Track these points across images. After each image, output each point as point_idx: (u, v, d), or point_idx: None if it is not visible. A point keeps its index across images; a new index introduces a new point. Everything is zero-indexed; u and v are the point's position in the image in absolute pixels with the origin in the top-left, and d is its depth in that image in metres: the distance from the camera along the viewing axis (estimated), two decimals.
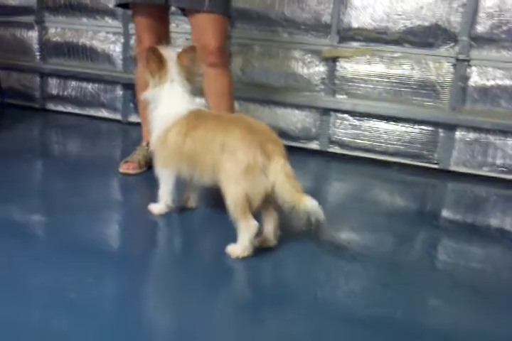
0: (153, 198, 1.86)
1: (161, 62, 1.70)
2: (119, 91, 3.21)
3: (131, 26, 3.04)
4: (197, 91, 1.83)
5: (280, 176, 1.49)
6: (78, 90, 3.30)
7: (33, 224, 1.73)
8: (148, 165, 2.21)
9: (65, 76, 3.29)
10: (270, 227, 1.61)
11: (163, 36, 2.17)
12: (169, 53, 1.73)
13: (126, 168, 2.23)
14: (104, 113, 3.28)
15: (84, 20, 3.19)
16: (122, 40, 3.12)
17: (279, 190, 1.49)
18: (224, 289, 1.44)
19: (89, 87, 3.27)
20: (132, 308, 1.29)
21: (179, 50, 1.77)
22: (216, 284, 1.44)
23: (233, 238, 1.57)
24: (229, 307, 1.35)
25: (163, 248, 1.71)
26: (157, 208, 1.83)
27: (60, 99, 3.36)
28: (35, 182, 2.22)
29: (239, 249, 1.54)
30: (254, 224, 1.53)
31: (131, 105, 3.17)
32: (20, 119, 3.07)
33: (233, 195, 1.51)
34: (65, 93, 3.34)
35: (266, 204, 1.56)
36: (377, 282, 1.50)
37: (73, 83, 3.30)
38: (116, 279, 1.44)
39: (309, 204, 1.47)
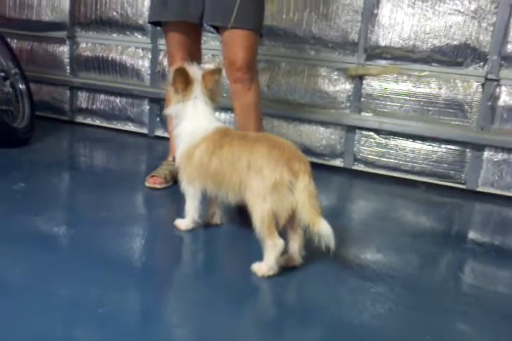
0: (180, 213, 1.87)
1: (186, 82, 1.73)
2: (146, 106, 3.26)
3: (160, 42, 3.10)
4: (217, 108, 1.85)
5: (303, 195, 1.50)
6: (106, 104, 3.36)
7: (60, 237, 1.76)
8: (174, 180, 2.23)
9: (94, 90, 3.36)
10: (296, 246, 1.59)
11: (195, 53, 2.21)
12: (195, 73, 1.76)
13: (153, 182, 2.26)
14: (131, 127, 3.33)
15: (114, 35, 3.26)
16: (150, 56, 3.18)
17: (299, 209, 1.49)
18: (248, 307, 1.43)
19: (118, 100, 3.32)
20: (158, 324, 1.29)
21: (206, 69, 1.80)
22: (240, 301, 1.44)
23: (258, 255, 1.57)
24: (252, 325, 1.35)
25: (188, 263, 1.71)
26: (183, 224, 1.84)
27: (88, 112, 3.42)
28: (63, 194, 2.25)
29: (265, 267, 1.54)
30: (280, 242, 1.52)
31: (158, 119, 3.22)
32: (49, 131, 3.13)
33: (260, 212, 1.52)
34: (94, 106, 3.40)
35: (292, 222, 1.56)
36: (403, 305, 1.48)
37: (102, 97, 3.36)
38: (142, 294, 1.45)
39: (323, 228, 1.47)
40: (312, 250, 1.70)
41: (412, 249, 1.89)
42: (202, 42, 2.34)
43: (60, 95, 3.48)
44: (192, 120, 1.76)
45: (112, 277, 1.50)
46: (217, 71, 1.80)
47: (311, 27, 2.78)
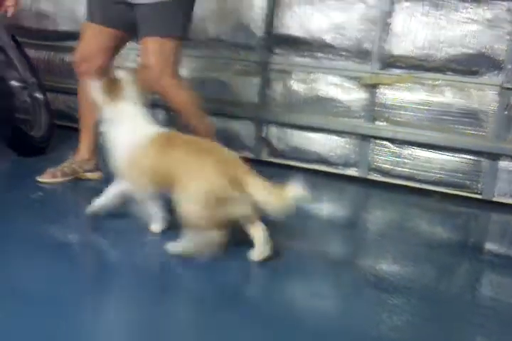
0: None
1: (117, 89, 1.80)
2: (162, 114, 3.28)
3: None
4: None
5: (260, 192, 1.58)
6: None
7: (75, 244, 1.77)
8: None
9: None
10: (259, 240, 1.67)
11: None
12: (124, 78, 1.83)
13: (47, 177, 2.29)
14: None
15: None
16: None
17: (265, 203, 1.57)
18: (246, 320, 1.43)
19: None
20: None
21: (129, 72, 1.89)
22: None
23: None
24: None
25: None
26: (154, 228, 1.87)
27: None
28: (81, 202, 2.27)
29: (179, 247, 1.65)
30: (201, 235, 1.61)
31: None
32: (66, 140, 3.15)
33: (189, 215, 1.60)
34: None
35: (247, 221, 1.66)
36: (420, 316, 1.47)
37: None
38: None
39: (293, 192, 1.56)
40: (326, 260, 1.70)
41: (429, 259, 1.87)
42: None
43: (75, 104, 3.50)
44: (130, 123, 1.79)
45: (136, 284, 1.51)
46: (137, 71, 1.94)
47: (323, 35, 2.78)
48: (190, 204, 1.60)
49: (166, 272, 1.67)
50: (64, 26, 3.45)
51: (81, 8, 3.34)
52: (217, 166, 1.61)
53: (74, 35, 3.40)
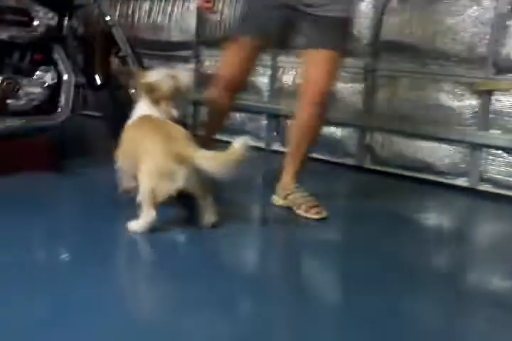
0: None
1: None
2: (264, 121, 3.34)
3: (279, 59, 3.18)
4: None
5: (203, 161, 1.75)
6: None
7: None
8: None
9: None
10: (206, 210, 1.90)
11: None
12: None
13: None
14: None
15: None
16: (269, 73, 3.27)
17: (210, 170, 1.74)
18: None
19: (237, 116, 3.44)
20: None
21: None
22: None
23: None
24: None
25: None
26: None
27: None
28: None
29: (136, 226, 1.84)
30: (152, 214, 1.82)
31: (275, 134, 3.29)
32: None
33: (143, 190, 1.82)
34: None
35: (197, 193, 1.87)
36: None
37: None
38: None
39: (237, 143, 1.73)
40: (429, 273, 1.64)
41: None
42: None
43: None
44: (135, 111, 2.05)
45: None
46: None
47: (434, 40, 2.69)
48: (141, 181, 1.82)
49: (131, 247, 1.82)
50: (175, 37, 3.64)
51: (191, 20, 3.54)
52: (161, 144, 1.80)
53: (184, 45, 3.61)
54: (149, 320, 1.36)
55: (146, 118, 1.98)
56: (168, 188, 1.79)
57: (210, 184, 1.89)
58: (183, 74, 2.12)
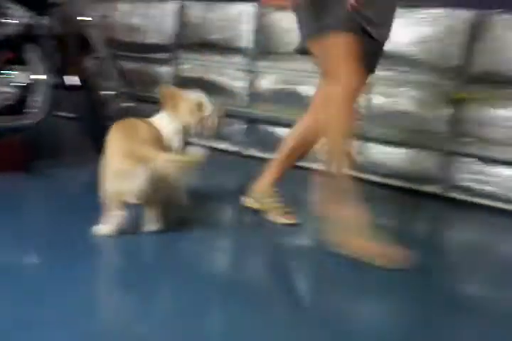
0: None
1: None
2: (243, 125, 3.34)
3: (259, 64, 3.19)
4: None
5: (160, 163, 1.74)
6: None
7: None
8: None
9: None
10: (150, 219, 1.89)
11: None
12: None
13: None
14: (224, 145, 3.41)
15: (215, 57, 3.38)
16: (248, 78, 3.27)
17: (165, 171, 1.74)
18: None
19: None
20: None
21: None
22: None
23: None
24: None
25: None
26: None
27: None
28: None
29: (104, 229, 1.82)
30: (117, 216, 1.82)
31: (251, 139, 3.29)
32: None
33: (102, 190, 1.81)
34: None
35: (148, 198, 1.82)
36: None
37: None
38: None
39: (195, 150, 1.77)
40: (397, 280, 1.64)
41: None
42: None
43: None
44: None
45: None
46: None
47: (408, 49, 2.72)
48: (101, 181, 1.81)
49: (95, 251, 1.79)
50: (153, 39, 3.62)
51: (169, 23, 3.52)
52: (121, 144, 1.80)
53: (162, 48, 3.59)
54: (113, 330, 1.32)
55: (128, 120, 1.96)
56: (127, 188, 1.77)
57: (174, 192, 1.89)
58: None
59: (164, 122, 2.00)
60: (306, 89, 2.96)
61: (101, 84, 2.72)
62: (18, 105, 2.46)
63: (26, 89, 2.45)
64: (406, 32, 2.68)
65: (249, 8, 3.20)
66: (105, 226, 1.83)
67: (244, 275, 1.73)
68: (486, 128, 2.57)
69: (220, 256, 1.90)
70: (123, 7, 3.74)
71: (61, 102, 2.79)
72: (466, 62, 2.59)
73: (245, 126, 3.32)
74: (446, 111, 2.67)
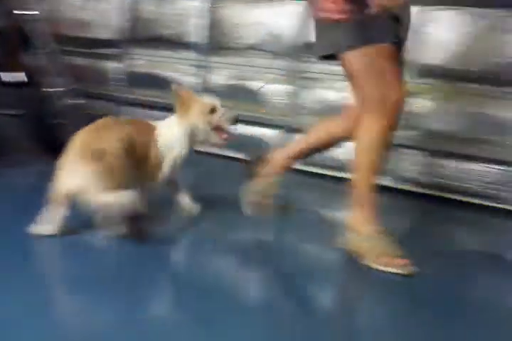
0: None
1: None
2: None
3: (212, 60, 3.16)
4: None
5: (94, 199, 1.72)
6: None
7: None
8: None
9: (147, 105, 3.43)
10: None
11: None
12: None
13: None
14: None
15: (165, 52, 3.34)
16: (202, 73, 3.24)
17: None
18: None
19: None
20: None
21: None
22: None
23: None
24: None
25: None
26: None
27: None
28: None
29: (40, 228, 1.77)
30: (57, 215, 1.77)
31: None
32: None
33: (56, 186, 1.77)
34: None
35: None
36: None
37: (155, 113, 3.43)
38: None
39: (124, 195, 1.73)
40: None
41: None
42: None
43: (111, 110, 3.58)
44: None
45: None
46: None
47: None
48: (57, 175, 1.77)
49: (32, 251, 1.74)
50: (102, 34, 3.54)
51: (119, 18, 3.45)
52: (80, 141, 1.79)
53: (111, 43, 3.52)
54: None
55: (106, 120, 1.95)
56: (64, 186, 1.73)
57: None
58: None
59: (168, 126, 1.97)
60: (258, 85, 2.97)
61: (45, 80, 2.64)
62: None
63: None
64: None
65: (201, 4, 3.18)
66: (45, 226, 1.78)
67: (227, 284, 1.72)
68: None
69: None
70: (71, 1, 3.65)
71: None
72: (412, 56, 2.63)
73: None
74: None
